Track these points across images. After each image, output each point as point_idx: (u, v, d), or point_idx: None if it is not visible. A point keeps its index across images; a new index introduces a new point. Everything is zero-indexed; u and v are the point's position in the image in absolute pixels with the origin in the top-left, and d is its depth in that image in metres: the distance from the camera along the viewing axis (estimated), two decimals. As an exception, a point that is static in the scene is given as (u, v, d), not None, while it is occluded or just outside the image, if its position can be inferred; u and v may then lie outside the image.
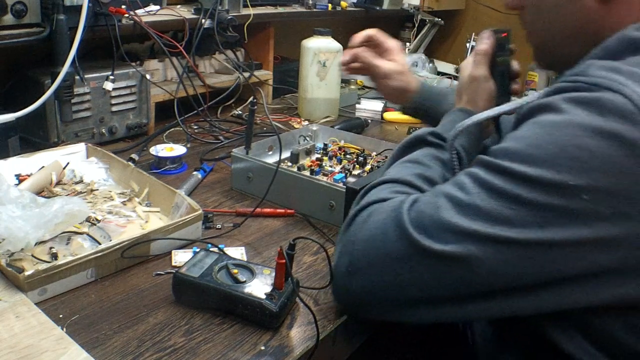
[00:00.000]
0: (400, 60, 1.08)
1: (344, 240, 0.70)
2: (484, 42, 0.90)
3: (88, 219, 0.86)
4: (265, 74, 1.73)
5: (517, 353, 0.75)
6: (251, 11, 1.59)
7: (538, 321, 0.66)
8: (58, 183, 1.00)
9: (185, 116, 1.41)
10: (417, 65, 2.23)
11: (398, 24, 2.66)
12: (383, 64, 1.07)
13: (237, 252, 0.87)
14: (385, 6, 2.21)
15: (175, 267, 0.82)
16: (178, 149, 1.18)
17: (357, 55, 1.08)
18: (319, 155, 1.21)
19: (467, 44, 2.23)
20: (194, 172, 1.13)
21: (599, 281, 0.58)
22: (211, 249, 0.83)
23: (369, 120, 1.61)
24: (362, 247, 0.67)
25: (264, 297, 0.70)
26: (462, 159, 0.77)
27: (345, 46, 1.61)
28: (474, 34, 2.23)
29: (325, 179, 1.03)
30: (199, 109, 1.45)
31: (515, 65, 0.92)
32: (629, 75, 0.57)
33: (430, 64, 2.28)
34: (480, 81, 0.88)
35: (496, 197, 0.59)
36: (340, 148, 1.25)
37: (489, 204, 0.59)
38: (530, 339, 0.71)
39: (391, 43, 1.09)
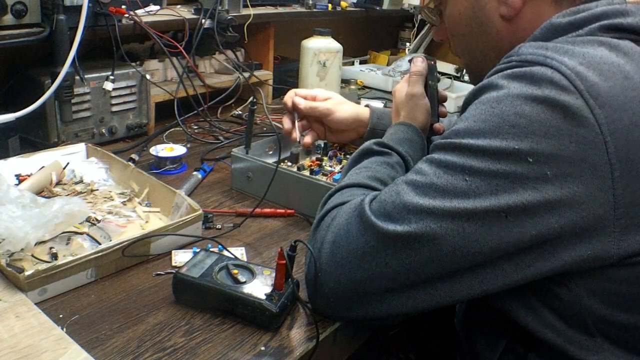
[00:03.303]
0: (332, 95, 1.14)
1: (313, 245, 0.73)
2: (419, 65, 0.98)
3: (88, 219, 0.86)
4: (265, 74, 1.73)
5: (486, 337, 0.78)
6: (251, 11, 1.59)
7: (504, 301, 0.69)
8: (58, 183, 1.00)
9: (185, 116, 1.41)
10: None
11: (398, 24, 2.66)
12: (321, 103, 1.12)
13: (237, 253, 0.87)
14: (385, 6, 2.22)
15: (175, 267, 0.82)
16: (178, 149, 1.18)
17: (295, 107, 1.12)
18: (319, 155, 1.21)
19: (467, 44, 2.23)
20: (194, 172, 1.13)
21: (553, 246, 0.61)
22: (211, 249, 0.83)
23: (369, 121, 1.61)
24: (328, 250, 0.69)
25: (264, 297, 0.70)
26: (408, 162, 0.84)
27: (345, 46, 1.62)
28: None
29: (324, 178, 1.03)
30: (199, 109, 1.45)
31: (442, 90, 1.02)
32: (554, 50, 0.64)
33: (430, 64, 2.28)
34: (418, 98, 0.96)
35: (451, 172, 0.63)
36: (340, 148, 1.24)
37: (444, 179, 0.63)
38: (498, 322, 0.74)
39: (314, 91, 1.16)
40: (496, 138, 0.60)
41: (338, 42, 1.59)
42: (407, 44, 2.52)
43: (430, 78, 0.98)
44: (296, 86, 1.68)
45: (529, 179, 0.59)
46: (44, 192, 0.96)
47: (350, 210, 0.70)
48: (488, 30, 0.77)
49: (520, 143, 0.59)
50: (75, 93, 1.17)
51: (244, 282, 0.73)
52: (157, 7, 1.43)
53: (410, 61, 1.02)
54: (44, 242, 0.80)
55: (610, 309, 0.65)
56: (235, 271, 0.75)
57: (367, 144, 0.87)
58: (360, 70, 2.19)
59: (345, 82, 1.84)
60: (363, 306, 0.69)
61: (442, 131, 0.98)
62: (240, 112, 1.59)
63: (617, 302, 0.65)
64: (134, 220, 0.91)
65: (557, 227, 0.60)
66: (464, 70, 0.91)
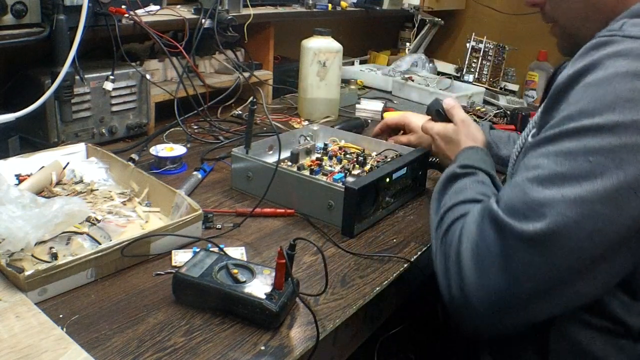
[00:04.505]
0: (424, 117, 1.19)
1: (446, 264, 0.72)
2: (452, 100, 1.09)
3: (88, 219, 0.86)
4: (265, 74, 1.73)
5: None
6: (251, 11, 1.59)
7: None
8: (58, 183, 1.00)
9: (185, 116, 1.41)
10: (417, 65, 2.23)
11: (398, 24, 2.66)
12: (414, 138, 1.22)
13: (237, 252, 0.87)
14: (385, 6, 2.22)
15: (175, 267, 0.82)
16: (178, 149, 1.18)
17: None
18: (319, 155, 1.21)
19: (467, 44, 2.23)
20: (194, 172, 1.13)
21: None
22: (211, 249, 0.83)
23: (369, 120, 1.61)
24: (470, 260, 0.68)
25: (264, 297, 0.70)
26: (494, 178, 0.87)
27: (345, 46, 1.62)
28: (474, 34, 2.24)
29: (324, 178, 1.03)
30: (199, 109, 1.45)
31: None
32: None
33: (430, 64, 2.29)
34: (469, 120, 1.05)
35: (573, 157, 0.63)
36: (340, 148, 1.25)
37: (568, 166, 0.63)
38: None
39: (404, 117, 1.24)
40: (613, 113, 0.61)
41: (338, 42, 1.59)
42: (407, 44, 2.52)
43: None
44: (296, 86, 1.68)
45: None
46: (44, 192, 0.97)
47: (479, 217, 0.69)
48: None
49: (637, 114, 0.60)
50: (75, 93, 1.17)
51: (244, 282, 0.73)
52: (157, 7, 1.43)
53: (434, 108, 1.11)
54: (44, 242, 0.80)
55: None
56: (235, 271, 0.75)
57: (450, 169, 0.88)
58: (360, 70, 2.19)
59: (345, 82, 1.84)
60: (512, 312, 0.67)
61: None
62: (240, 112, 1.59)
63: None
64: (134, 220, 0.91)
65: None
66: (559, 39, 0.87)
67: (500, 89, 2.23)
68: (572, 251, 0.62)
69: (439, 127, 1.08)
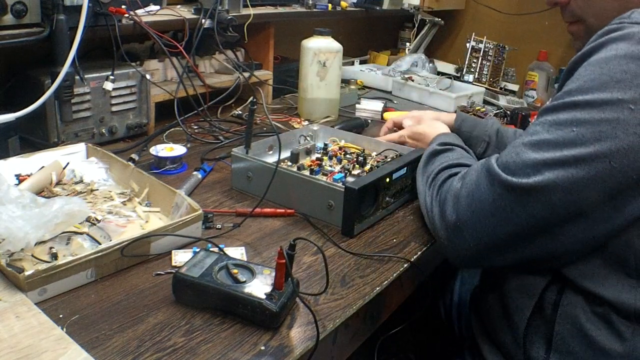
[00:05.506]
0: (421, 116, 1.32)
1: (442, 207, 0.83)
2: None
3: (88, 219, 0.86)
4: (265, 74, 1.73)
5: (517, 296, 0.85)
6: (251, 11, 1.59)
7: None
8: (58, 183, 1.00)
9: (185, 116, 1.41)
10: (417, 65, 2.23)
11: (398, 24, 2.66)
12: (399, 135, 1.29)
13: (237, 252, 0.87)
14: (385, 6, 2.21)
15: (175, 267, 0.82)
16: (178, 149, 1.18)
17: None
18: (319, 155, 1.21)
19: (467, 44, 2.23)
20: (194, 172, 1.13)
21: None
22: (211, 249, 0.83)
23: (369, 120, 1.61)
24: (465, 201, 0.79)
25: (264, 297, 0.70)
26: (469, 152, 1.00)
27: (345, 46, 1.62)
28: (474, 34, 2.24)
29: (324, 178, 1.03)
30: (199, 109, 1.45)
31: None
32: None
33: (430, 64, 2.29)
34: (426, 117, 1.29)
35: (561, 127, 0.72)
36: (340, 148, 1.24)
37: (555, 134, 0.72)
38: (529, 279, 0.82)
39: (406, 116, 1.34)
40: (603, 92, 0.69)
41: (338, 42, 1.59)
42: (407, 44, 2.52)
43: None
44: (296, 86, 1.68)
45: (630, 124, 0.67)
46: (44, 192, 0.97)
47: (478, 169, 0.80)
48: None
49: (624, 94, 0.67)
50: (75, 93, 1.17)
51: (244, 282, 0.73)
52: (157, 7, 1.43)
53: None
54: (44, 242, 0.80)
55: None
56: (235, 271, 0.75)
57: (430, 148, 1.01)
58: (360, 70, 2.19)
59: (345, 82, 1.84)
60: (496, 249, 0.78)
61: None
62: (240, 112, 1.59)
63: None
64: (134, 220, 0.91)
65: None
66: (573, 39, 0.93)
67: (500, 89, 2.23)
68: (547, 205, 0.71)
69: (403, 131, 1.25)
